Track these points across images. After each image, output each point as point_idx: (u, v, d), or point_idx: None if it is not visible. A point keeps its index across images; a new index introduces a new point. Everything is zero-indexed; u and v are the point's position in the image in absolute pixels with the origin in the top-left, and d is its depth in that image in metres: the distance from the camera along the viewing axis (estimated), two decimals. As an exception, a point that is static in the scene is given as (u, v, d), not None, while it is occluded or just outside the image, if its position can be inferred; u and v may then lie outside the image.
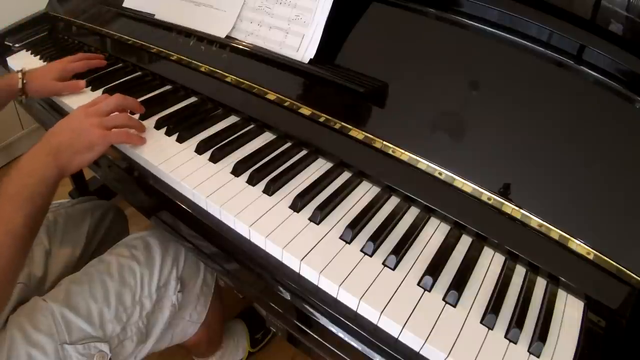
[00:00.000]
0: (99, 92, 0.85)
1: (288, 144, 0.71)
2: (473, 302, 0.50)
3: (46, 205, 0.61)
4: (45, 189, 0.60)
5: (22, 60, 1.03)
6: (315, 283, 0.52)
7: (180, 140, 0.70)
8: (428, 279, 0.51)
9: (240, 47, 0.77)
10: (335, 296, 0.51)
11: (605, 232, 0.52)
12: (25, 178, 0.59)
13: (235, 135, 0.71)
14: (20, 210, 0.56)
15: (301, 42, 0.71)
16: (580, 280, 0.52)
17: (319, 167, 0.67)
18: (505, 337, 0.48)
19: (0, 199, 0.57)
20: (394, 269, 0.53)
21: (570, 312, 0.51)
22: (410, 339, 0.47)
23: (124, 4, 0.96)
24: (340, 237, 0.56)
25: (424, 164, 0.60)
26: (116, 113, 0.69)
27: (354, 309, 0.50)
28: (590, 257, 0.51)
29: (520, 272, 0.55)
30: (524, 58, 0.60)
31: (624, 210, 0.52)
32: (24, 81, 0.83)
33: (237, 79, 0.77)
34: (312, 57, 0.70)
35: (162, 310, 0.75)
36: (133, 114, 0.74)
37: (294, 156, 0.68)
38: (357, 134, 0.64)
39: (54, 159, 0.61)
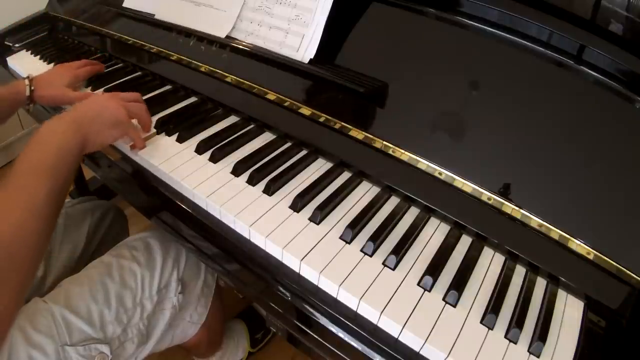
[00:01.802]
0: (99, 92, 0.85)
1: (288, 144, 0.71)
2: (473, 302, 0.50)
3: (68, 183, 0.56)
4: (70, 158, 0.55)
5: (22, 60, 1.03)
6: (315, 283, 0.52)
7: (180, 140, 0.70)
8: (428, 279, 0.51)
9: (240, 47, 0.77)
10: (335, 296, 0.51)
11: (605, 232, 0.52)
12: (46, 146, 0.54)
13: (235, 135, 0.71)
14: (42, 184, 0.51)
15: (301, 42, 0.71)
16: (580, 280, 0.52)
17: (319, 167, 0.67)
18: (505, 337, 0.48)
19: (20, 171, 0.51)
20: (394, 269, 0.53)
21: (570, 312, 0.51)
22: (410, 339, 0.47)
23: (124, 4, 0.96)
24: (340, 237, 0.56)
25: (424, 164, 0.60)
26: (134, 103, 0.70)
27: (354, 309, 0.50)
28: (590, 257, 0.51)
29: (520, 272, 0.55)
30: (524, 58, 0.60)
31: (624, 210, 0.52)
32: (32, 88, 0.79)
33: (237, 79, 0.77)
34: (312, 57, 0.70)
35: (162, 312, 0.75)
36: None
37: (294, 156, 0.68)
38: (357, 134, 0.64)
39: (78, 127, 0.57)
